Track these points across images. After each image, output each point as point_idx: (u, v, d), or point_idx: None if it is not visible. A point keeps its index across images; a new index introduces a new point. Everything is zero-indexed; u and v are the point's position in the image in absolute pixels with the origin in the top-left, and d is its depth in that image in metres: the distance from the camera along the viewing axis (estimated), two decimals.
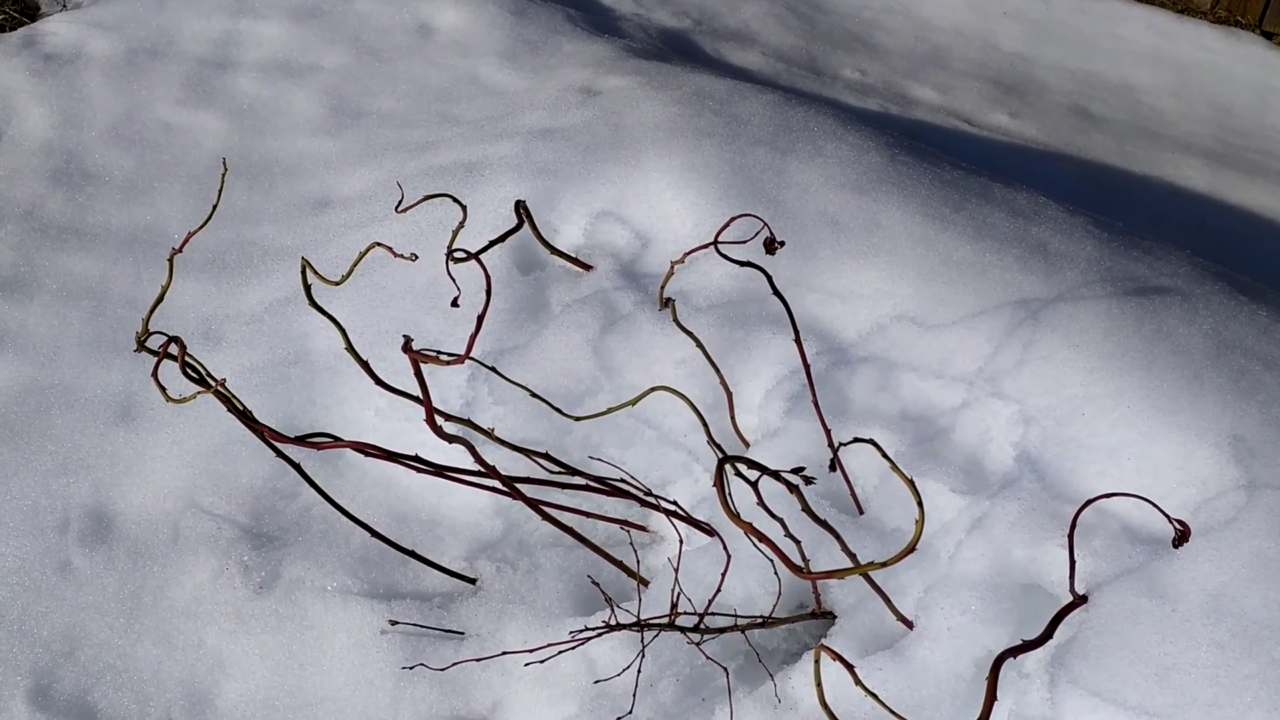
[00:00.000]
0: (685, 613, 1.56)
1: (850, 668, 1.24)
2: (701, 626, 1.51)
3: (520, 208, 1.91)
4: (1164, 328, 1.67)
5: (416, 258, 1.31)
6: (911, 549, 1.11)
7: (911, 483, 1.14)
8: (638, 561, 1.68)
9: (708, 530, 1.59)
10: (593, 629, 1.35)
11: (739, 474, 1.32)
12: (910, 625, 1.60)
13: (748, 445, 1.77)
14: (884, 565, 1.15)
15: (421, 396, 1.35)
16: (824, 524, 1.37)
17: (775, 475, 1.32)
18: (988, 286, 1.75)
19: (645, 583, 1.71)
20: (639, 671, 1.46)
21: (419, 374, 1.31)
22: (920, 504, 1.13)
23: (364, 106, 2.83)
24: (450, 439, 1.43)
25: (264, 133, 2.79)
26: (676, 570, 1.43)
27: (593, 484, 1.72)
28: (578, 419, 1.39)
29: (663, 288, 1.51)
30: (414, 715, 1.70)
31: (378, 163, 2.55)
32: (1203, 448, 1.51)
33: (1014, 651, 1.39)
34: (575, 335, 1.87)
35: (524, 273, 2.03)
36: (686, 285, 1.89)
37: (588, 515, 1.77)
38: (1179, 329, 1.67)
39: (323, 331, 2.13)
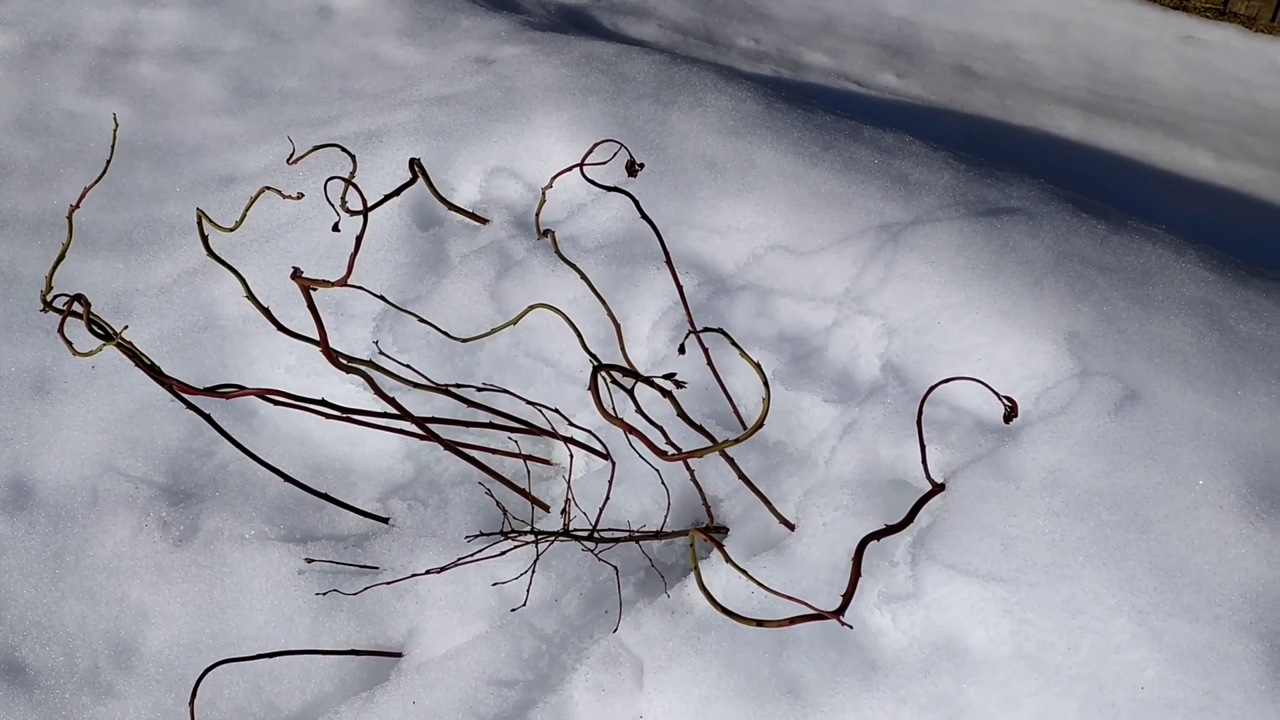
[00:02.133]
0: (581, 529, 1.67)
1: (719, 545, 1.36)
2: (595, 535, 1.62)
3: (414, 165, 2.00)
4: (1010, 242, 1.81)
5: (302, 196, 1.39)
6: (759, 425, 1.22)
7: (758, 365, 1.26)
8: (529, 485, 1.78)
9: (602, 454, 1.69)
10: (488, 534, 1.45)
11: (614, 381, 1.43)
12: (791, 527, 1.73)
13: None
14: (736, 442, 1.26)
15: (316, 329, 1.44)
16: (695, 425, 1.49)
17: (648, 381, 1.43)
18: (853, 215, 1.89)
19: (546, 507, 1.81)
20: (531, 575, 1.56)
21: (310, 303, 1.40)
22: (765, 383, 1.24)
23: (266, 87, 2.89)
24: (347, 369, 1.52)
25: (167, 116, 2.84)
26: (569, 482, 1.53)
27: (495, 417, 1.82)
28: (465, 340, 1.48)
29: (538, 215, 1.61)
30: (333, 646, 1.78)
31: (280, 138, 2.62)
32: (1042, 344, 1.66)
33: (876, 535, 1.51)
34: (473, 282, 1.97)
35: (423, 229, 2.12)
36: (576, 230, 1.99)
37: (494, 452, 1.86)
38: (1024, 243, 1.81)
39: (231, 297, 2.19)
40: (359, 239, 1.27)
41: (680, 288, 1.53)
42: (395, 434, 2.02)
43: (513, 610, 1.62)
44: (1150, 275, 1.76)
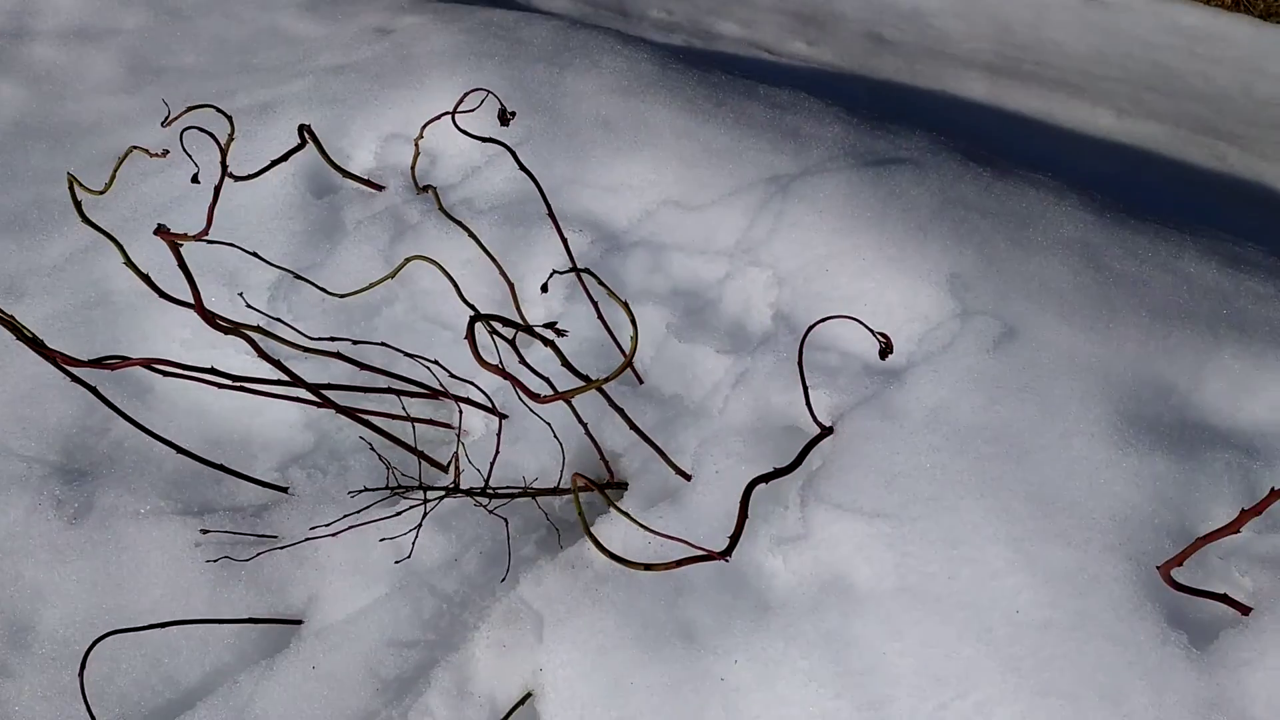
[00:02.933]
0: (475, 488, 1.67)
1: (600, 489, 1.36)
2: (487, 491, 1.61)
3: (304, 131, 1.97)
4: (897, 190, 1.84)
5: (167, 153, 1.37)
6: (628, 363, 1.23)
7: (626, 305, 1.27)
8: (430, 450, 1.77)
9: (488, 408, 1.69)
10: (372, 489, 1.44)
11: (494, 332, 1.43)
12: (687, 477, 1.74)
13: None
14: (608, 380, 1.27)
15: (189, 287, 1.42)
16: (577, 373, 1.49)
17: (528, 330, 1.44)
18: (744, 169, 1.90)
19: (442, 467, 1.81)
20: (417, 531, 1.55)
21: (180, 259, 1.38)
22: (633, 321, 1.25)
23: (164, 64, 2.83)
24: (226, 331, 1.50)
25: (64, 97, 2.78)
26: (459, 438, 1.53)
27: (394, 381, 1.81)
28: (343, 296, 1.47)
29: (413, 168, 1.60)
30: (231, 617, 1.76)
31: (183, 118, 2.57)
32: (926, 287, 1.69)
33: (764, 479, 1.53)
34: (367, 248, 1.95)
35: (318, 197, 2.10)
36: (470, 192, 1.98)
37: (390, 416, 1.85)
38: (910, 190, 1.84)
39: (124, 273, 2.15)
40: (217, 189, 1.25)
41: (559, 226, 1.53)
42: (295, 404, 2.00)
43: (396, 562, 1.62)
44: (1032, 219, 1.80)
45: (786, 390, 1.70)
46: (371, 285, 1.42)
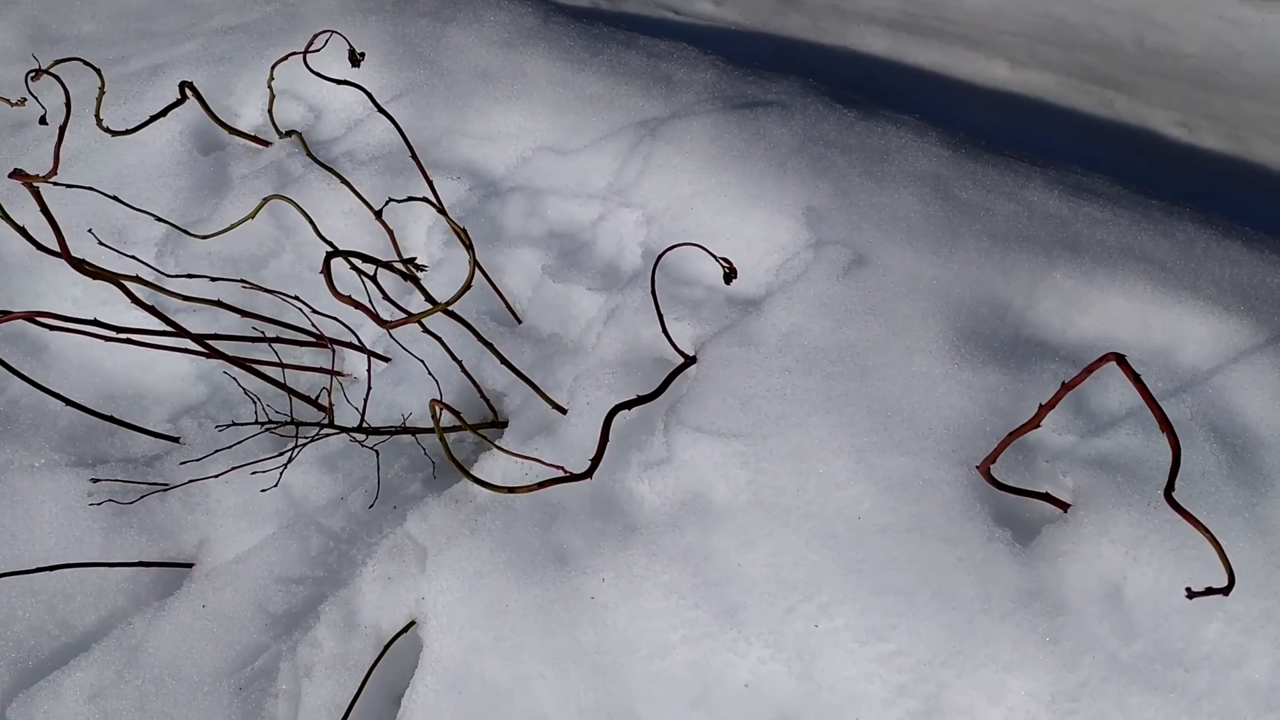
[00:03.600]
0: (354, 427, 1.72)
1: (456, 414, 1.43)
2: (364, 428, 1.67)
3: (184, 87, 2.00)
4: (761, 131, 1.91)
5: (24, 101, 1.40)
6: (468, 285, 1.29)
7: (463, 231, 1.32)
8: (298, 390, 1.82)
9: (358, 346, 1.75)
10: (240, 424, 1.49)
11: (354, 268, 1.48)
12: (563, 411, 1.80)
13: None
14: (450, 303, 1.32)
15: (52, 230, 1.45)
16: (429, 296, 1.54)
17: (387, 265, 1.49)
18: (615, 114, 1.96)
19: (325, 409, 1.86)
20: (286, 465, 1.61)
21: (41, 204, 1.41)
22: (469, 246, 1.31)
23: (63, 33, 2.83)
24: (94, 276, 1.53)
25: None
26: (330, 375, 1.58)
27: (282, 330, 1.86)
28: (204, 237, 1.51)
29: (270, 111, 1.64)
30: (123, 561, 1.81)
31: (72, 80, 2.57)
32: (783, 220, 1.76)
33: (626, 405, 1.60)
34: (251, 201, 1.99)
35: (205, 154, 2.13)
36: (352, 144, 2.03)
37: (271, 364, 1.90)
38: (774, 130, 1.91)
39: (15, 234, 2.17)
40: (61, 129, 1.29)
41: (422, 167, 1.58)
42: (187, 358, 2.04)
43: (263, 490, 1.67)
44: (889, 154, 1.87)
45: (654, 324, 1.76)
46: (232, 226, 1.47)
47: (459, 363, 1.74)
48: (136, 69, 2.45)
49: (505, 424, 1.89)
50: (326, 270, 1.43)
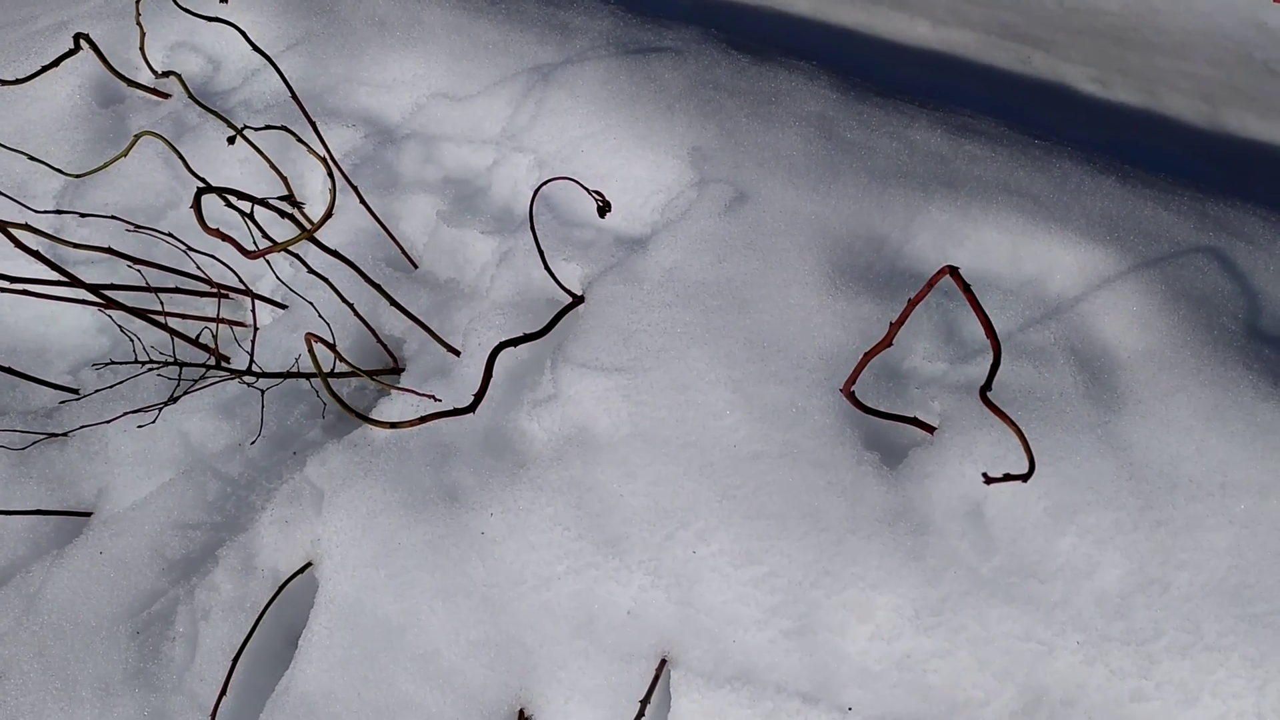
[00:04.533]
0: (253, 372, 1.73)
1: (340, 356, 1.44)
2: (253, 370, 1.68)
3: (79, 38, 1.99)
4: (652, 75, 1.93)
5: None
6: (328, 215, 1.30)
7: (327, 160, 1.33)
8: (199, 340, 1.83)
9: (242, 290, 1.75)
10: (118, 362, 1.49)
11: (229, 204, 1.49)
12: (457, 353, 1.82)
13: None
14: (316, 229, 1.33)
15: None
16: (301, 227, 1.55)
17: (264, 203, 1.50)
18: (509, 60, 1.97)
19: (224, 357, 1.87)
20: (165, 404, 1.62)
21: None
22: (331, 173, 1.32)
23: None
24: None
25: None
26: (216, 321, 1.59)
27: (179, 281, 1.86)
28: (78, 176, 1.51)
29: (142, 49, 1.64)
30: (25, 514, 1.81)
31: None
32: (670, 160, 1.78)
33: (511, 343, 1.62)
34: (147, 151, 1.99)
35: (104, 107, 2.12)
36: (248, 94, 2.03)
37: (164, 314, 1.90)
38: (665, 75, 1.93)
39: None
40: None
41: (306, 112, 1.59)
42: (89, 311, 2.04)
43: (140, 427, 1.68)
44: (778, 97, 1.90)
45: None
46: (105, 165, 1.47)
47: (350, 305, 1.75)
48: (44, 27, 2.43)
49: (402, 370, 1.91)
50: (197, 205, 1.44)
